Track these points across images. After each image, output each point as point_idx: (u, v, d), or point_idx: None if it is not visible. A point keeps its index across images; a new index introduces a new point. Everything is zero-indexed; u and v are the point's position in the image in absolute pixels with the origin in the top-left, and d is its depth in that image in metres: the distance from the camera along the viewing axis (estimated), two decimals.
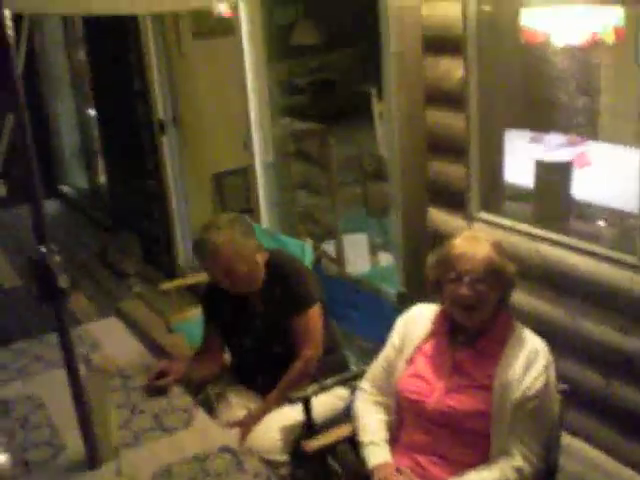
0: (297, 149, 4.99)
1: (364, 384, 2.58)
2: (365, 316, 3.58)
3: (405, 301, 3.19)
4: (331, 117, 6.88)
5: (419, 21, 2.97)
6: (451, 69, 2.88)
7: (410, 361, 2.44)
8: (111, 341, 3.18)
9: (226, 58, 5.76)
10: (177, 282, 4.36)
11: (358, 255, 4.19)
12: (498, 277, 2.27)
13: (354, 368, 3.11)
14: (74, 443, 2.36)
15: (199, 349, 3.09)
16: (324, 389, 2.87)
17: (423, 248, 3.24)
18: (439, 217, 3.14)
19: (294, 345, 2.93)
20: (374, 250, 4.44)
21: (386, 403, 2.50)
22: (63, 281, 2.08)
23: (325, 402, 2.91)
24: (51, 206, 8.55)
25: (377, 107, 6.41)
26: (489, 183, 2.98)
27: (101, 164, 7.81)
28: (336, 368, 3.01)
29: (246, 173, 6.10)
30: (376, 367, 2.56)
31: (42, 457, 2.40)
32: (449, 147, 3.01)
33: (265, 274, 2.93)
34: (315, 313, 2.94)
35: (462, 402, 2.30)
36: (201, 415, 2.59)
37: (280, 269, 2.93)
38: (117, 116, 6.53)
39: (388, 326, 2.56)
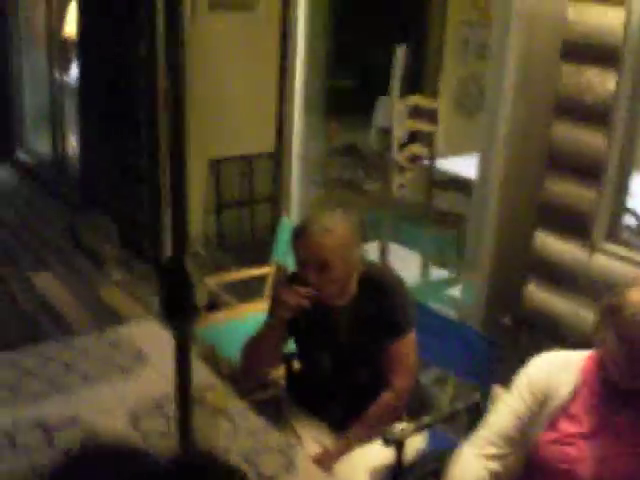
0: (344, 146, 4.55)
1: (478, 438, 2.19)
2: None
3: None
4: None
5: (556, 24, 2.60)
6: (598, 81, 2.54)
7: (552, 424, 2.06)
8: (160, 354, 2.69)
9: (244, 35, 5.33)
10: (210, 280, 3.85)
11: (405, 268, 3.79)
12: None
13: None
14: None
15: (253, 337, 2.63)
16: (420, 429, 2.50)
17: (518, 275, 2.90)
18: (549, 243, 2.79)
19: (382, 374, 2.55)
20: (426, 263, 4.03)
21: (505, 454, 2.12)
22: (200, 297, 1.62)
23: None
24: (3, 173, 7.83)
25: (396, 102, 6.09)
26: (618, 211, 2.65)
27: (73, 133, 7.15)
28: (418, 402, 2.63)
29: (250, 162, 5.68)
30: (500, 421, 2.15)
31: None
32: (577, 166, 2.66)
33: (358, 288, 2.52)
34: (411, 340, 2.58)
35: (620, 471, 1.97)
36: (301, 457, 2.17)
37: (377, 285, 2.54)
38: (110, 82, 5.91)
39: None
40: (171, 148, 1.59)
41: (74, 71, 7.07)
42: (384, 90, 7.38)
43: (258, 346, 2.59)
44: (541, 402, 2.07)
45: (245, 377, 2.94)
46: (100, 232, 5.93)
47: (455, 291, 3.75)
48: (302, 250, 2.43)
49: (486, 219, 2.97)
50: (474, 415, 2.69)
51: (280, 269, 3.74)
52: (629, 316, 1.89)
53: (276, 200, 5.42)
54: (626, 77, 2.47)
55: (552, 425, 2.05)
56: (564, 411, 2.04)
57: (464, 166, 4.54)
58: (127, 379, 2.53)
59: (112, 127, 5.97)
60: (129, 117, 5.45)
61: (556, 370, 2.09)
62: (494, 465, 2.10)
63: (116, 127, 5.88)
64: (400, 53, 7.34)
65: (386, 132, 6.91)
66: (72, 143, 7.26)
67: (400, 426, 2.55)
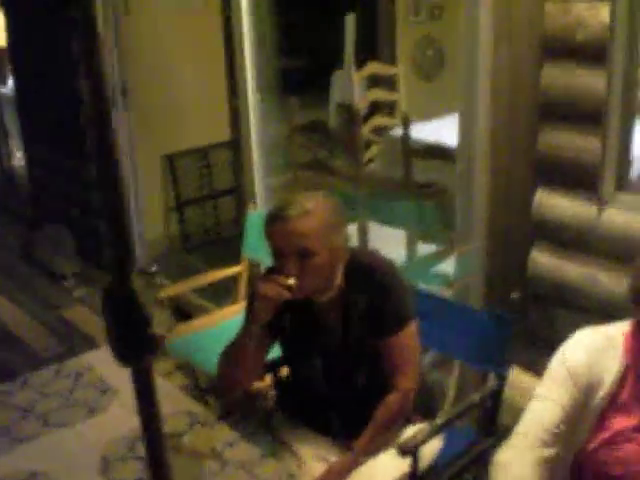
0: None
1: (523, 439, 1.81)
2: None
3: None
4: None
5: None
6: (589, 14, 2.21)
7: (602, 420, 1.73)
8: (128, 384, 2.33)
9: (185, 20, 4.97)
10: (173, 288, 3.50)
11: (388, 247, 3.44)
12: None
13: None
14: None
15: (230, 346, 2.24)
16: (436, 431, 2.19)
17: (519, 242, 2.59)
18: (552, 202, 2.48)
19: (383, 373, 2.22)
20: (410, 240, 3.70)
21: (557, 455, 1.78)
22: (157, 325, 1.27)
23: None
24: None
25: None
26: (625, 157, 2.35)
27: (16, 146, 6.73)
28: (423, 393, 2.33)
29: (205, 154, 5.33)
30: (546, 416, 1.77)
31: None
32: (574, 113, 2.35)
33: (345, 279, 2.19)
34: (412, 331, 2.25)
35: None
36: None
37: (367, 273, 2.20)
38: (47, 89, 5.49)
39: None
40: (97, 163, 1.24)
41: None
42: (339, 64, 7.08)
43: (237, 355, 2.20)
44: (586, 391, 1.73)
45: (225, 392, 2.59)
46: (57, 247, 5.54)
47: (446, 267, 3.44)
48: (278, 237, 2.07)
49: (475, 184, 2.66)
50: (492, 404, 2.39)
51: (252, 266, 3.40)
52: None
53: (239, 191, 5.08)
54: (621, 5, 2.14)
55: (602, 421, 1.72)
56: (613, 402, 1.72)
57: (436, 130, 4.24)
58: (93, 418, 2.19)
59: (56, 135, 5.55)
60: (71, 123, 5.05)
61: (597, 353, 1.74)
62: (547, 469, 1.76)
63: (60, 134, 5.47)
64: (350, 22, 7.03)
65: (345, 107, 6.60)
66: (18, 155, 6.86)
67: (412, 430, 2.25)
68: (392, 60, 6.60)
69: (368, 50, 6.88)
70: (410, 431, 2.27)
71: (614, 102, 2.24)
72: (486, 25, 2.41)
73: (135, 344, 1.24)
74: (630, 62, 2.23)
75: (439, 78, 7.14)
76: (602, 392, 1.71)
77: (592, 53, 2.24)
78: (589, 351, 1.74)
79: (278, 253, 2.08)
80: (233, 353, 2.21)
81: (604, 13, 2.18)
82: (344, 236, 2.15)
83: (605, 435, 1.71)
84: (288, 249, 2.05)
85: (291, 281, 2.03)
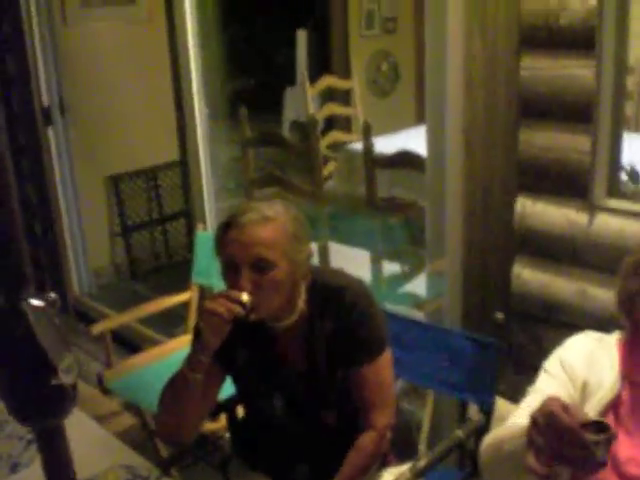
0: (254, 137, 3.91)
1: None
2: None
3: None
4: None
5: None
6: None
7: None
8: None
9: (127, 35, 4.68)
10: (113, 320, 3.16)
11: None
12: None
13: None
14: None
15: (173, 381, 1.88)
16: (419, 475, 1.90)
17: (503, 255, 2.32)
18: (536, 209, 2.22)
19: (354, 410, 1.93)
20: (375, 259, 3.41)
21: None
22: (66, 371, 0.95)
23: None
24: None
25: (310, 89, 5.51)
26: (618, 158, 2.10)
27: None
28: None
29: (154, 175, 5.01)
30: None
31: None
32: (559, 108, 2.09)
33: (307, 301, 1.89)
34: (387, 361, 1.97)
35: None
36: None
37: (333, 295, 1.90)
38: None
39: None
40: None
41: None
42: (292, 82, 6.84)
43: (181, 392, 1.84)
44: (582, 391, 1.57)
45: (166, 437, 2.25)
46: None
47: (415, 286, 3.17)
48: (232, 247, 1.76)
49: (448, 193, 2.39)
50: (477, 441, 2.11)
51: (203, 292, 3.09)
52: None
53: (190, 214, 4.77)
54: None
55: None
56: (611, 411, 1.55)
57: (399, 142, 3.99)
58: (15, 475, 1.86)
59: None
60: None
61: (592, 354, 1.61)
62: None
63: None
64: (301, 38, 6.80)
65: (299, 124, 6.35)
66: None
67: (390, 475, 1.96)
68: (347, 76, 6.38)
69: (321, 66, 6.67)
70: (388, 476, 1.99)
71: (605, 94, 2.00)
72: (456, 12, 2.15)
73: (35, 398, 0.93)
74: (621, 48, 1.98)
75: (394, 93, 6.96)
76: (601, 394, 1.55)
77: (578, 40, 2.00)
78: (585, 351, 1.61)
79: (231, 266, 1.77)
80: (177, 389, 1.85)
81: None
82: (307, 251, 1.85)
83: None
84: (243, 260, 1.74)
85: (245, 297, 1.71)
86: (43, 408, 0.93)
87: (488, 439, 1.58)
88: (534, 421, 1.23)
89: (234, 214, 1.79)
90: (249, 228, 1.75)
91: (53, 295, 0.88)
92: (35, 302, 0.86)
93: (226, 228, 1.78)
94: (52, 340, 0.90)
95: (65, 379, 0.91)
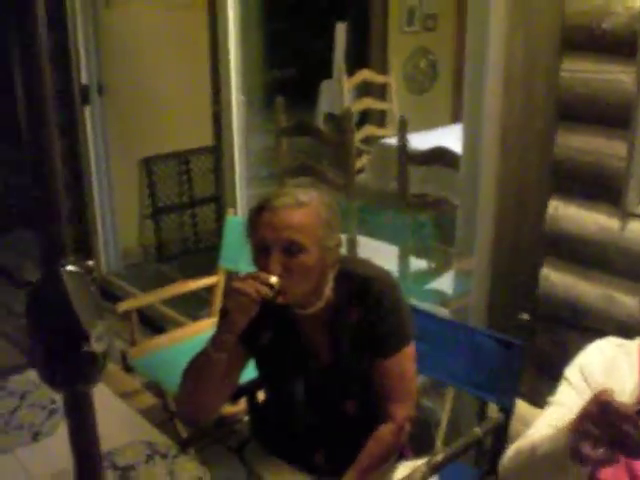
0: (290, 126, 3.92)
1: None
2: None
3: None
4: None
5: None
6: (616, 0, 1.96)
7: None
8: None
9: (169, 22, 4.71)
10: (139, 299, 3.20)
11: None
12: None
13: None
14: None
15: (196, 360, 1.90)
16: (435, 470, 1.90)
17: (530, 257, 2.31)
18: (568, 212, 2.20)
19: (375, 401, 1.93)
20: (403, 255, 3.41)
21: None
22: (97, 339, 0.96)
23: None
24: None
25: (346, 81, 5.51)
26: None
27: None
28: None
29: (186, 159, 5.04)
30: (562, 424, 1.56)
31: None
32: (597, 112, 2.08)
33: (335, 290, 1.90)
34: (411, 354, 1.96)
35: None
36: None
37: (362, 286, 1.90)
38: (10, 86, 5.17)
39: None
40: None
41: None
42: (328, 74, 6.84)
43: (204, 371, 1.86)
44: None
45: (185, 417, 2.27)
46: (24, 252, 5.23)
47: (442, 284, 3.16)
48: (264, 230, 1.77)
49: (481, 192, 2.38)
50: (495, 440, 2.11)
51: (230, 276, 3.10)
52: None
53: (221, 200, 4.80)
54: None
55: None
56: None
57: (434, 140, 3.97)
58: (37, 444, 1.89)
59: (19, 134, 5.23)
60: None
61: (613, 360, 1.59)
62: None
63: (23, 133, 5.14)
64: (340, 31, 6.80)
65: (333, 116, 6.35)
66: None
67: (406, 468, 1.97)
68: (384, 71, 6.37)
69: (359, 60, 6.66)
70: (404, 469, 1.99)
71: None
72: (499, 10, 2.14)
73: (67, 363, 0.94)
74: None
75: (431, 91, 6.94)
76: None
77: (620, 44, 1.98)
78: (606, 357, 1.59)
79: (262, 248, 1.78)
80: (200, 369, 1.87)
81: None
82: (337, 239, 1.86)
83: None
84: (274, 243, 1.75)
85: (273, 279, 1.72)
86: (73, 374, 0.95)
87: (511, 451, 1.59)
88: (587, 413, 1.28)
89: (268, 197, 1.80)
90: (282, 212, 1.76)
91: (90, 263, 0.90)
92: (72, 268, 0.88)
93: (259, 211, 1.80)
94: (86, 307, 0.92)
95: (96, 347, 0.93)
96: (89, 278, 0.90)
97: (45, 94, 0.92)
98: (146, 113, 4.71)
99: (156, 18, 4.72)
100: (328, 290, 1.90)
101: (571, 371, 1.63)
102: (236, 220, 3.15)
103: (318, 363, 1.95)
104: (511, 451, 1.57)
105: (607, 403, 1.26)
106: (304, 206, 1.78)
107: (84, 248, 4.67)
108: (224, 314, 1.82)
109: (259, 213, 1.80)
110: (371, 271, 1.95)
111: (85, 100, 4.39)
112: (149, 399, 3.34)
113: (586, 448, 1.26)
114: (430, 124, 5.49)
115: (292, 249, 1.75)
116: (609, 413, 1.24)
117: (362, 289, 1.89)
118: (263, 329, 1.92)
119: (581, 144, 2.11)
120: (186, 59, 4.78)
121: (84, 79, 4.36)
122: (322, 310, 1.90)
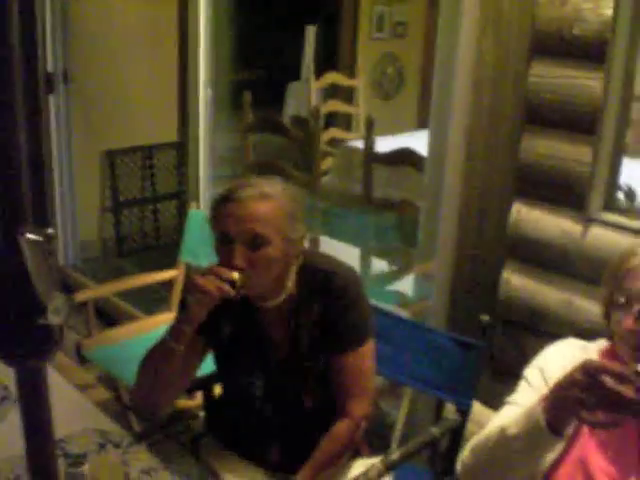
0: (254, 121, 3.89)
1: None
2: None
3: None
4: None
5: None
6: (588, 7, 1.98)
7: (571, 440, 1.52)
8: None
9: (137, 15, 4.66)
10: (97, 290, 3.15)
11: None
12: None
13: None
14: None
15: (153, 350, 1.86)
16: (390, 468, 1.90)
17: (492, 260, 2.32)
18: (531, 216, 2.22)
19: (332, 397, 1.92)
20: (365, 256, 3.41)
21: None
22: (54, 312, 0.93)
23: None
24: None
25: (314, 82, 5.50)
26: (617, 172, 2.11)
27: None
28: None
29: (150, 153, 4.99)
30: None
31: None
32: (562, 117, 2.10)
33: (296, 283, 1.89)
34: (370, 351, 1.96)
35: None
36: None
37: (323, 280, 1.89)
38: None
39: None
40: None
41: None
42: (296, 77, 6.84)
43: (161, 362, 1.82)
44: None
45: (139, 408, 2.22)
46: None
47: (403, 286, 3.16)
48: (227, 221, 1.74)
49: (445, 194, 2.38)
50: (451, 441, 2.11)
51: (190, 271, 3.07)
52: (628, 270, 1.50)
53: (183, 196, 4.75)
54: None
55: (571, 441, 1.52)
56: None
57: (400, 144, 3.98)
58: None
59: None
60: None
61: (574, 361, 1.55)
62: None
63: None
64: (310, 34, 6.80)
65: (299, 119, 6.35)
66: None
67: (361, 466, 1.96)
68: (352, 75, 6.39)
69: (328, 63, 6.68)
70: (360, 466, 1.98)
71: (611, 107, 2.00)
72: (470, 15, 2.15)
73: (20, 336, 0.91)
74: (631, 63, 1.99)
75: (397, 97, 6.98)
76: None
77: (589, 51, 2.00)
78: (566, 359, 1.58)
79: (225, 240, 1.76)
80: (157, 359, 1.83)
81: (606, 6, 1.94)
82: (301, 231, 1.85)
83: (573, 456, 1.53)
84: (237, 235, 1.73)
85: (235, 275, 1.70)
86: (27, 347, 0.92)
87: (470, 446, 1.59)
88: (574, 381, 1.32)
89: (232, 188, 1.78)
90: (247, 203, 1.74)
91: (51, 230, 0.87)
92: (32, 236, 0.85)
93: (223, 201, 1.77)
94: (44, 278, 0.89)
95: (53, 320, 0.89)
96: (48, 247, 0.87)
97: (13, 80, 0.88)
98: (111, 105, 4.64)
99: (126, 9, 4.66)
100: (290, 283, 1.88)
101: (531, 372, 1.64)
102: (199, 214, 3.12)
103: (277, 356, 1.94)
104: (470, 447, 1.57)
105: (602, 367, 1.29)
106: (269, 198, 1.76)
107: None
108: (183, 305, 1.80)
109: (223, 204, 1.77)
110: (334, 266, 1.93)
111: (49, 88, 4.32)
112: (102, 393, 3.27)
113: (585, 414, 1.29)
114: (395, 130, 5.52)
115: (256, 242, 1.73)
116: (602, 377, 1.27)
117: (324, 283, 1.88)
118: (223, 320, 1.89)
119: (546, 149, 2.13)
120: (155, 52, 4.74)
121: (49, 67, 4.29)
122: (283, 303, 1.88)
